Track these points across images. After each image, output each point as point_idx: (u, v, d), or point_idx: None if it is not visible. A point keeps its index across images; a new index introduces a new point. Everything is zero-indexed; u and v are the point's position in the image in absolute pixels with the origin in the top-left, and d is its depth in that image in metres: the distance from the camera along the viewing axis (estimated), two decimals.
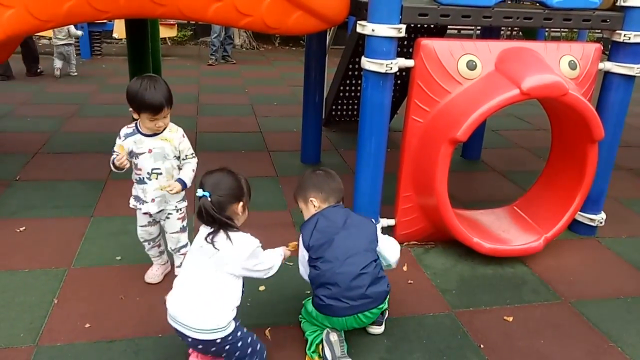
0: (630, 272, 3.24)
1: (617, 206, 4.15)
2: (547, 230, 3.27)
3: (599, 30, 4.13)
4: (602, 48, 3.20)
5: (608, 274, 3.20)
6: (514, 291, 2.97)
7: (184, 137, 2.60)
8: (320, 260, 2.31)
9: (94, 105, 6.55)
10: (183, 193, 2.65)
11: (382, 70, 2.81)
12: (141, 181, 2.60)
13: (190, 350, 2.24)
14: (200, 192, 2.05)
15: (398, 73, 2.97)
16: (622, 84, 3.25)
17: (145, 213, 2.67)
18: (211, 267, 2.07)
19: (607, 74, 3.28)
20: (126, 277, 2.87)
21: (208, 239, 2.06)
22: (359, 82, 5.43)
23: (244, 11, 3.12)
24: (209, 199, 2.03)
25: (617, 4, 3.11)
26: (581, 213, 3.56)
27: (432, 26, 5.03)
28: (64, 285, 2.78)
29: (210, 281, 2.07)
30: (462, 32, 11.92)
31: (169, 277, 2.88)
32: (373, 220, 2.55)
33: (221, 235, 2.06)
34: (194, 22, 12.49)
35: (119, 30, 9.61)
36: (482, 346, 2.50)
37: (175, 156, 2.60)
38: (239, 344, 2.10)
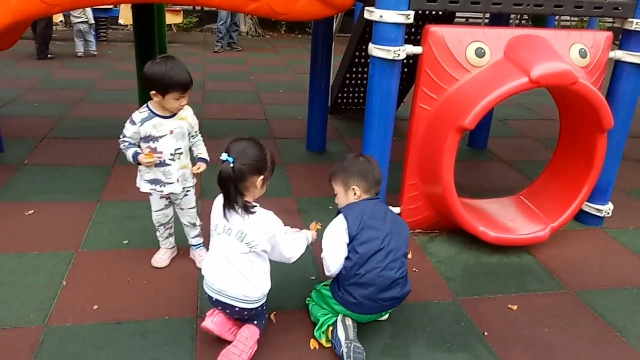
0: (637, 263, 3.24)
1: (624, 197, 4.14)
2: (554, 220, 3.26)
3: (610, 19, 4.09)
4: (613, 36, 3.17)
5: (614, 265, 3.20)
6: (518, 280, 2.98)
7: (193, 113, 2.69)
8: (362, 260, 2.26)
9: (101, 90, 6.57)
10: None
11: (390, 56, 2.80)
12: (162, 164, 2.60)
13: (210, 313, 2.28)
14: (224, 156, 2.06)
15: (405, 61, 2.96)
16: (633, 73, 3.22)
17: (162, 197, 2.70)
18: (245, 249, 2.15)
19: (617, 62, 3.25)
20: (133, 260, 2.89)
21: (229, 220, 2.13)
22: (366, 70, 5.42)
23: None
24: (232, 165, 2.05)
25: None
26: (588, 203, 3.55)
27: (440, 13, 5.00)
28: (72, 267, 2.80)
29: (248, 260, 2.17)
30: (470, 20, 11.84)
31: (176, 261, 2.91)
32: (406, 223, 2.52)
33: (240, 212, 2.12)
34: (199, 9, 12.45)
35: (125, 16, 9.60)
36: (486, 334, 2.52)
37: (189, 134, 2.67)
38: (265, 308, 2.30)
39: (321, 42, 4.35)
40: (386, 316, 2.54)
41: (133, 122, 2.56)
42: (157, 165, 2.59)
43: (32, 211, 3.36)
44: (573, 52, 3.01)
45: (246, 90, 6.99)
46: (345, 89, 5.71)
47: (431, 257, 3.15)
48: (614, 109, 3.11)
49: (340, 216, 2.37)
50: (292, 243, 2.31)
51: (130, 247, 3.03)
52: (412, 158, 3.14)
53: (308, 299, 2.57)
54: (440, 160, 2.93)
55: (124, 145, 2.58)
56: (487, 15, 6.01)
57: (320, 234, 2.48)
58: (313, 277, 2.85)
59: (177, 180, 2.66)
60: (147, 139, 2.56)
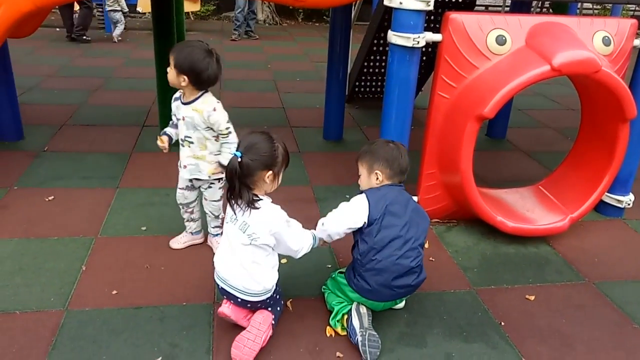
0: None
1: None
2: (573, 211, 3.22)
3: (634, 7, 3.99)
4: (637, 24, 3.10)
5: (634, 256, 3.15)
6: (536, 270, 2.95)
7: (215, 110, 2.56)
8: (379, 246, 2.26)
9: (119, 78, 6.61)
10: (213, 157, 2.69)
11: (409, 44, 2.77)
12: (179, 145, 2.71)
13: (225, 301, 2.30)
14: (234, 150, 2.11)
15: (424, 49, 2.92)
16: None
17: (183, 177, 2.76)
18: (247, 240, 2.15)
19: None
20: (151, 247, 2.92)
21: (236, 211, 2.15)
22: (384, 58, 5.37)
23: None
24: (239, 159, 2.06)
25: None
26: (609, 194, 3.50)
27: (460, 0, 4.93)
28: (91, 253, 2.84)
29: (250, 253, 2.18)
30: (490, 9, 11.67)
31: (194, 247, 2.93)
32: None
33: (243, 207, 2.12)
34: None
35: (143, 4, 9.61)
36: (502, 324, 2.50)
37: (207, 127, 2.60)
38: (278, 297, 2.32)
39: (339, 30, 4.32)
40: (402, 304, 2.53)
41: (173, 99, 2.71)
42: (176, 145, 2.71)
43: (52, 197, 3.41)
44: (596, 40, 2.95)
45: (263, 79, 6.99)
46: (363, 78, 5.67)
47: (448, 247, 3.13)
48: (637, 99, 3.05)
49: (363, 196, 2.36)
50: (298, 236, 2.30)
51: (149, 234, 3.06)
52: (431, 147, 3.11)
53: (324, 287, 2.58)
54: (459, 149, 2.90)
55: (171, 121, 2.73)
56: (508, 3, 5.92)
57: None
58: (329, 266, 2.86)
59: (185, 167, 2.69)
60: (177, 117, 2.68)
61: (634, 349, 2.39)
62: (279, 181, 2.23)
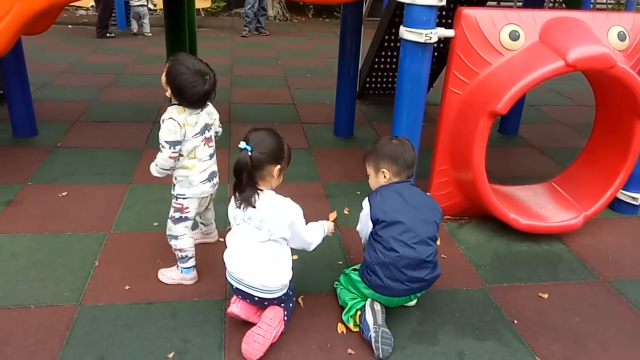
0: None
1: None
2: (587, 208, 3.19)
3: None
4: None
5: None
6: (549, 268, 2.93)
7: (162, 122, 2.37)
8: (388, 241, 2.28)
9: (131, 75, 6.64)
10: (177, 180, 2.48)
11: (421, 40, 2.75)
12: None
13: (233, 299, 2.31)
14: (242, 145, 2.11)
15: (435, 44, 2.90)
16: None
17: None
18: (265, 236, 2.17)
19: None
20: (163, 243, 2.92)
21: (247, 211, 2.16)
22: (395, 54, 5.35)
23: None
24: (250, 153, 2.08)
25: None
26: (623, 191, 3.46)
27: None
28: (104, 248, 2.86)
29: (269, 249, 2.20)
30: (502, 4, 11.58)
31: (207, 245, 2.93)
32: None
33: (257, 199, 2.14)
34: None
35: (156, 0, 9.67)
36: (515, 322, 2.49)
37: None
38: (291, 293, 2.33)
39: (350, 26, 4.31)
40: (414, 302, 2.53)
41: None
42: None
43: (65, 193, 3.44)
44: (611, 35, 2.91)
45: (274, 75, 6.99)
46: (374, 74, 5.65)
47: (460, 244, 3.12)
48: None
49: (366, 199, 2.42)
50: (311, 228, 2.35)
51: (161, 229, 3.07)
52: (443, 143, 3.10)
53: (336, 283, 2.58)
54: (471, 145, 2.88)
55: None
56: None
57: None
58: (340, 262, 2.86)
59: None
60: None
61: None
62: (283, 177, 2.26)
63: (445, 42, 2.91)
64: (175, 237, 2.55)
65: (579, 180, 3.41)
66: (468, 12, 2.82)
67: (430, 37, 2.75)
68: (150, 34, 9.34)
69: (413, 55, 2.84)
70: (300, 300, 2.52)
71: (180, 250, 2.55)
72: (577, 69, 2.73)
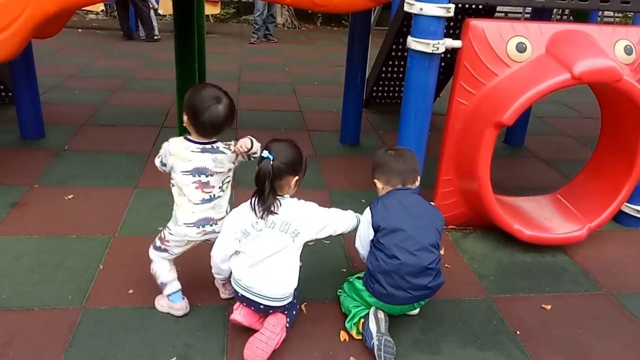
0: None
1: None
2: (591, 220, 3.19)
3: None
4: None
5: None
6: (553, 280, 2.92)
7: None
8: (389, 249, 2.29)
9: (139, 80, 6.69)
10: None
11: (429, 50, 2.76)
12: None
13: (236, 306, 2.31)
14: (265, 154, 2.13)
15: (442, 55, 2.92)
16: None
17: None
18: (289, 240, 2.21)
19: None
20: None
21: (269, 217, 2.18)
22: (402, 63, 5.36)
23: None
24: (272, 162, 2.11)
25: None
26: (628, 204, 3.45)
27: (480, 7, 4.91)
28: (109, 252, 2.88)
29: (286, 255, 2.23)
30: (510, 15, 11.59)
31: (207, 249, 2.93)
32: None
33: (280, 205, 2.18)
34: (237, 0, 12.53)
35: (164, 6, 9.72)
36: (518, 333, 2.48)
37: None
38: (295, 301, 2.33)
39: (358, 35, 4.33)
40: (417, 311, 2.53)
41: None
42: None
43: (72, 196, 3.46)
44: (618, 49, 2.92)
45: (281, 82, 7.02)
46: (381, 82, 5.67)
47: (464, 254, 3.12)
48: None
49: (367, 208, 2.45)
50: (341, 215, 2.43)
51: None
52: (448, 153, 3.10)
53: (340, 290, 2.58)
54: (476, 156, 2.89)
55: None
56: (528, 10, 5.87)
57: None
58: (344, 270, 2.86)
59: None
60: None
61: None
62: (298, 188, 2.29)
63: (452, 52, 2.92)
64: (151, 260, 2.46)
65: (584, 193, 3.40)
66: (475, 23, 2.83)
67: (438, 48, 2.77)
68: (158, 36, 9.39)
69: (420, 65, 2.85)
70: (303, 307, 2.52)
71: (154, 275, 2.44)
72: (583, 81, 2.73)
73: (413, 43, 2.81)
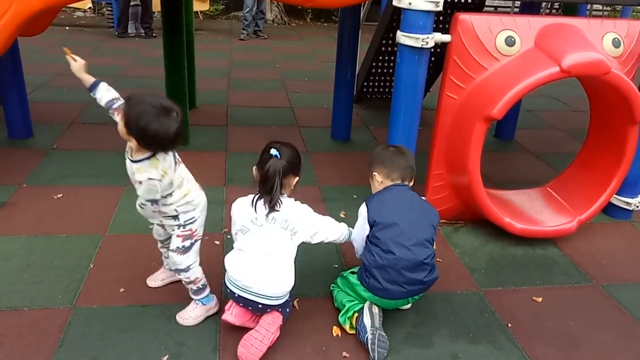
0: None
1: None
2: (581, 213, 3.21)
3: None
4: None
5: None
6: (544, 272, 2.94)
7: (139, 182, 2.17)
8: (384, 243, 2.30)
9: (128, 77, 6.63)
10: (180, 212, 2.25)
11: (418, 44, 2.76)
12: None
13: (228, 306, 2.30)
14: (274, 152, 2.18)
15: (432, 49, 2.92)
16: None
17: None
18: (288, 237, 2.22)
19: None
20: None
21: (270, 213, 2.20)
22: (392, 58, 5.36)
23: None
24: (281, 160, 2.17)
25: None
26: (617, 196, 3.48)
27: (469, 1, 4.92)
28: (99, 251, 2.86)
29: (287, 252, 2.24)
30: (499, 9, 11.62)
31: (202, 248, 2.92)
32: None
33: (281, 204, 2.20)
34: None
35: (153, 2, 9.66)
36: (509, 325, 2.50)
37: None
38: (289, 299, 2.32)
39: (348, 30, 4.32)
40: (409, 305, 2.53)
41: None
42: None
43: (61, 195, 3.43)
44: (606, 42, 2.94)
45: (271, 78, 6.99)
46: (371, 78, 5.66)
47: (455, 248, 3.13)
48: None
49: (363, 204, 2.46)
50: (334, 225, 2.46)
51: None
52: (439, 148, 3.11)
53: (333, 285, 2.59)
54: (467, 150, 2.90)
55: None
56: (517, 4, 5.88)
57: (346, 222, 2.53)
58: (336, 266, 2.86)
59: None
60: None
61: None
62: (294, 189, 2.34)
63: (441, 47, 2.92)
64: (186, 269, 2.30)
65: (574, 185, 3.42)
66: (464, 17, 2.83)
67: (427, 42, 2.77)
68: (155, 36, 9.35)
69: (409, 60, 2.85)
70: (295, 303, 2.52)
71: (194, 282, 2.33)
72: (572, 74, 2.74)
73: (402, 38, 2.81)
